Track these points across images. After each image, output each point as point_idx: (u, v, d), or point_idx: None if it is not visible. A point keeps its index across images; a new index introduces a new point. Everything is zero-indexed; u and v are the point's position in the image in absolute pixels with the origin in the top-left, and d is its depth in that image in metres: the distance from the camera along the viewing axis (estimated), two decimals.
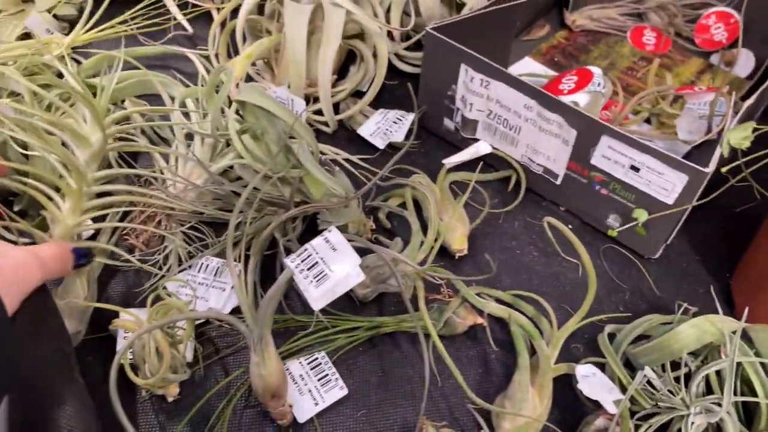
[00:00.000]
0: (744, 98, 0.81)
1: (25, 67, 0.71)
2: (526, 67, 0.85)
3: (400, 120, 0.74)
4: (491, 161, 0.72)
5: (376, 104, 0.77)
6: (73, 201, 0.57)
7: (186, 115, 0.70)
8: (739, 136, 0.56)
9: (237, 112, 0.61)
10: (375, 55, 0.76)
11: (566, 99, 0.68)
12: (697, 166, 0.54)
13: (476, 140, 0.71)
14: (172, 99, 0.75)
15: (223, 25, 0.81)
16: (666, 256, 0.65)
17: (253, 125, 0.57)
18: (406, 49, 0.81)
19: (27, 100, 0.64)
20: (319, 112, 0.75)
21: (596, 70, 0.70)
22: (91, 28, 0.82)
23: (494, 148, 0.70)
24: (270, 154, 0.58)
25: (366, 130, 0.74)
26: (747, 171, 0.54)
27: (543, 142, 0.64)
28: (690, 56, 0.87)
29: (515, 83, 0.62)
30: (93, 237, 0.63)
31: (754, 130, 0.56)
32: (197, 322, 0.58)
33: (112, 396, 0.45)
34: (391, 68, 0.80)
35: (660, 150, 0.56)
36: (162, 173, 0.66)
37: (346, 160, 0.72)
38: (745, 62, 0.85)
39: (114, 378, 0.45)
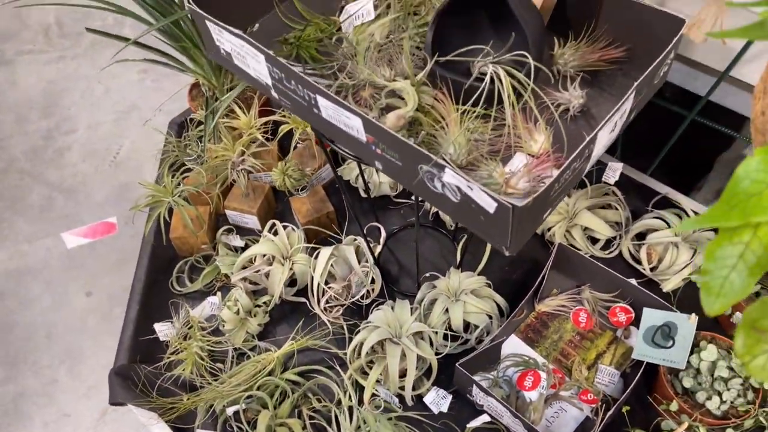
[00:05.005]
0: (632, 366, 1.47)
1: None
2: (513, 344, 1.53)
3: None
4: None
5: None
6: None
7: None
8: None
9: None
10: None
11: (527, 394, 1.36)
12: None
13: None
14: None
15: None
16: None
17: None
18: None
19: None
20: None
21: (543, 375, 1.38)
22: None
23: None
24: None
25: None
26: None
27: None
28: (606, 330, 1.53)
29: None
30: None
31: None
32: None
33: None
34: None
35: None
36: None
37: None
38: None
39: None
